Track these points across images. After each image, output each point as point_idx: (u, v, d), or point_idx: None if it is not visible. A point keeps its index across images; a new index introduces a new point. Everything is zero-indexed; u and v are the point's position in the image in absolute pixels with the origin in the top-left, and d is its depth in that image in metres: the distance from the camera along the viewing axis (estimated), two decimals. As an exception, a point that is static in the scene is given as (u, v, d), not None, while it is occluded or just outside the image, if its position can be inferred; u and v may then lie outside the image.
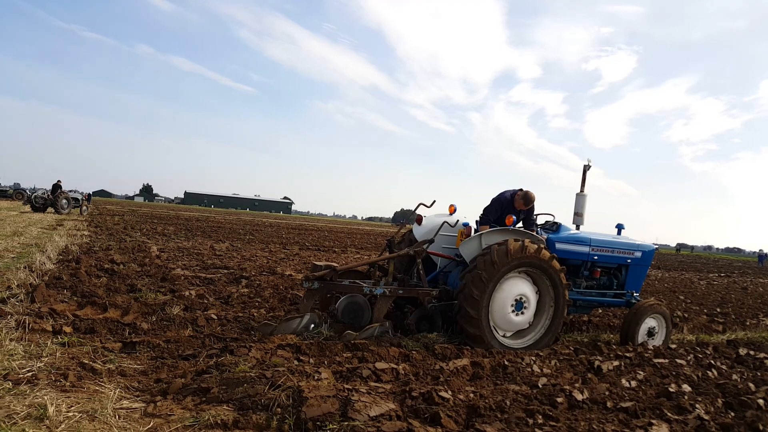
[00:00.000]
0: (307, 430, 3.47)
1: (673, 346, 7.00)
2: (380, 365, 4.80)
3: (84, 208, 32.38)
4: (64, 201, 30.45)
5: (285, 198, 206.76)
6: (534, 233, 6.97)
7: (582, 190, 7.73)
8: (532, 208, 7.16)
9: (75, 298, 6.93)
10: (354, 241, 29.06)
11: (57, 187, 30.94)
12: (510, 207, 6.99)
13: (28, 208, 31.91)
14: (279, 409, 3.65)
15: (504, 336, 6.38)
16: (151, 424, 3.43)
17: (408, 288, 6.52)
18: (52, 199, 30.40)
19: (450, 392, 4.18)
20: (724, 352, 7.02)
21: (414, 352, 5.49)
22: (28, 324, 5.25)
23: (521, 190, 7.00)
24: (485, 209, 7.13)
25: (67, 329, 5.39)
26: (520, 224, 7.16)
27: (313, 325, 5.99)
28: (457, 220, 7.22)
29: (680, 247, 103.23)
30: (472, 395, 4.25)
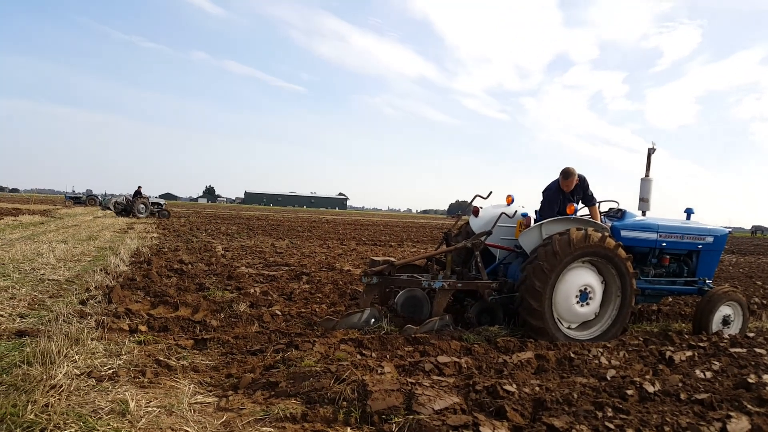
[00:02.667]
0: (373, 424, 3.51)
1: (751, 334, 6.64)
2: (442, 359, 4.79)
3: (165, 212, 33.90)
4: (141, 206, 32.07)
5: (340, 194, 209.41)
6: (597, 209, 6.84)
7: (647, 175, 7.44)
8: (583, 183, 6.85)
9: (148, 298, 7.28)
10: (410, 235, 29.10)
11: (138, 193, 32.72)
12: (559, 194, 6.82)
13: (104, 213, 33.99)
14: (345, 403, 3.72)
15: (569, 328, 6.24)
16: (225, 417, 3.57)
17: (467, 281, 6.47)
18: (129, 205, 32.26)
19: (515, 385, 4.13)
20: (808, 340, 6.59)
21: (476, 345, 5.46)
22: (107, 324, 5.56)
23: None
24: (540, 209, 6.97)
25: (143, 328, 5.68)
26: (582, 208, 6.96)
27: (373, 320, 6.05)
28: (516, 211, 7.09)
29: (756, 229, 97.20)
30: (537, 388, 4.19)
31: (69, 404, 3.52)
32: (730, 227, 8.08)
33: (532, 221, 6.73)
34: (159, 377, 4.25)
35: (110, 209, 33.83)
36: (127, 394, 3.76)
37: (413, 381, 4.11)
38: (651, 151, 7.42)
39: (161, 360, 4.64)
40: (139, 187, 33.03)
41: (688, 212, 7.64)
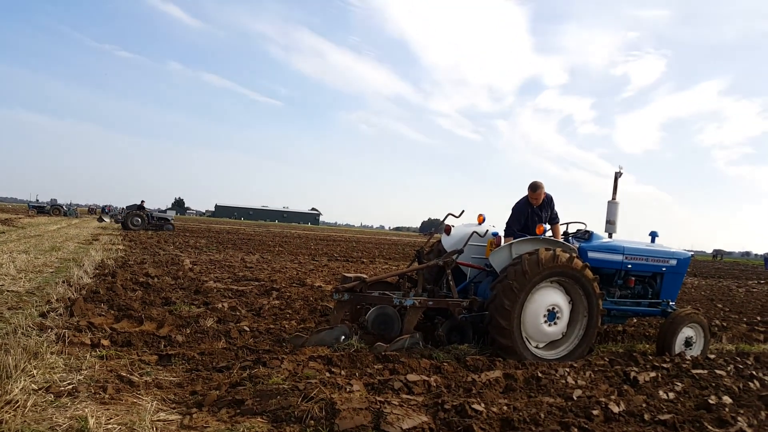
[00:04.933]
0: (340, 443, 3.47)
1: (712, 356, 6.81)
2: (412, 377, 4.78)
3: (170, 226, 35.21)
4: (137, 219, 33.46)
5: (313, 209, 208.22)
6: (558, 228, 7.15)
7: (614, 198, 7.62)
8: (551, 202, 7.08)
9: (112, 312, 7.10)
10: (382, 252, 29.10)
11: (140, 206, 34.79)
12: (527, 207, 6.98)
13: (99, 224, 35.90)
14: (312, 422, 3.67)
15: (537, 347, 6.30)
16: (188, 436, 3.49)
17: (438, 299, 6.49)
18: (125, 217, 34.26)
19: (483, 405, 4.14)
20: (766, 362, 6.79)
21: (445, 363, 5.46)
22: (68, 337, 5.39)
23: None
24: (507, 222, 7.10)
25: (105, 342, 5.52)
26: (548, 229, 7.13)
27: (343, 337, 6.01)
28: (487, 230, 7.18)
29: (717, 253, 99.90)
30: (505, 408, 4.21)
31: (25, 421, 3.40)
32: (692, 251, 8.31)
33: (503, 240, 6.82)
34: (121, 393, 4.14)
35: (105, 220, 38.17)
36: (86, 410, 3.65)
37: (382, 399, 4.09)
38: (618, 175, 7.60)
39: (123, 375, 4.52)
40: (142, 201, 35.35)
41: (653, 235, 7.83)
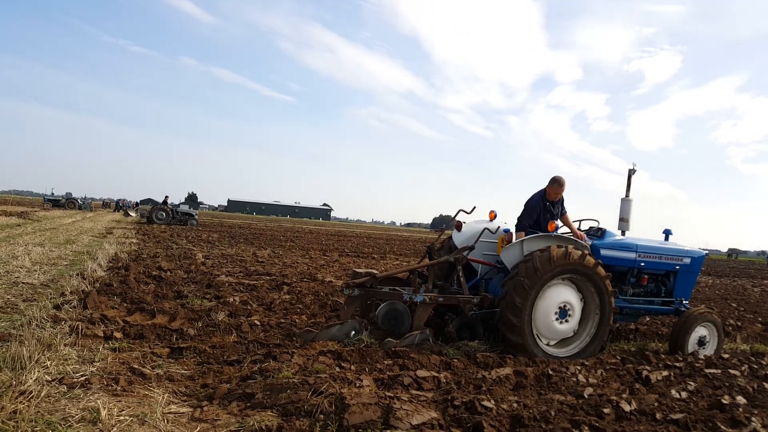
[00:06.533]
0: (349, 438, 3.48)
1: (726, 356, 6.72)
2: (421, 373, 4.78)
3: (193, 222, 36.90)
4: (161, 213, 35.77)
5: (324, 205, 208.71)
6: (568, 217, 7.08)
7: (627, 195, 7.54)
8: (562, 199, 7.07)
9: (125, 305, 7.16)
10: (393, 248, 29.09)
11: (164, 202, 37.41)
12: (541, 202, 6.92)
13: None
14: (322, 416, 3.68)
15: (548, 344, 6.26)
16: (199, 428, 3.51)
17: (448, 295, 6.48)
18: (150, 212, 36.49)
19: (493, 401, 4.13)
20: (781, 362, 6.70)
21: (455, 360, 5.45)
22: (81, 329, 5.44)
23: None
24: (519, 217, 7.05)
25: (118, 335, 5.57)
26: (560, 226, 7.09)
27: (353, 332, 6.02)
28: (498, 227, 7.14)
29: (732, 252, 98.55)
30: (515, 405, 4.19)
31: (38, 411, 3.44)
32: (706, 249, 8.21)
33: (514, 237, 6.78)
34: (133, 385, 4.17)
35: (131, 215, 42.15)
36: (98, 401, 3.69)
37: (392, 395, 4.08)
38: (632, 172, 7.53)
39: (135, 368, 4.56)
40: (166, 196, 37.54)
41: (667, 233, 7.74)
